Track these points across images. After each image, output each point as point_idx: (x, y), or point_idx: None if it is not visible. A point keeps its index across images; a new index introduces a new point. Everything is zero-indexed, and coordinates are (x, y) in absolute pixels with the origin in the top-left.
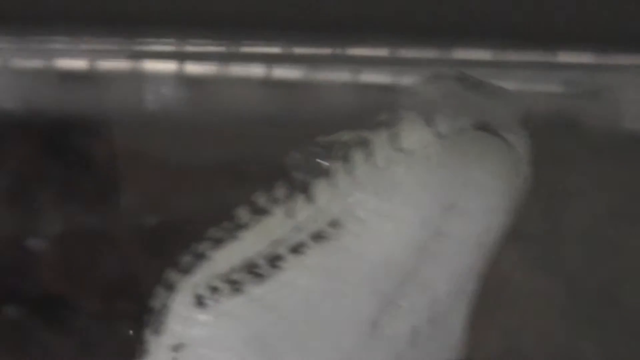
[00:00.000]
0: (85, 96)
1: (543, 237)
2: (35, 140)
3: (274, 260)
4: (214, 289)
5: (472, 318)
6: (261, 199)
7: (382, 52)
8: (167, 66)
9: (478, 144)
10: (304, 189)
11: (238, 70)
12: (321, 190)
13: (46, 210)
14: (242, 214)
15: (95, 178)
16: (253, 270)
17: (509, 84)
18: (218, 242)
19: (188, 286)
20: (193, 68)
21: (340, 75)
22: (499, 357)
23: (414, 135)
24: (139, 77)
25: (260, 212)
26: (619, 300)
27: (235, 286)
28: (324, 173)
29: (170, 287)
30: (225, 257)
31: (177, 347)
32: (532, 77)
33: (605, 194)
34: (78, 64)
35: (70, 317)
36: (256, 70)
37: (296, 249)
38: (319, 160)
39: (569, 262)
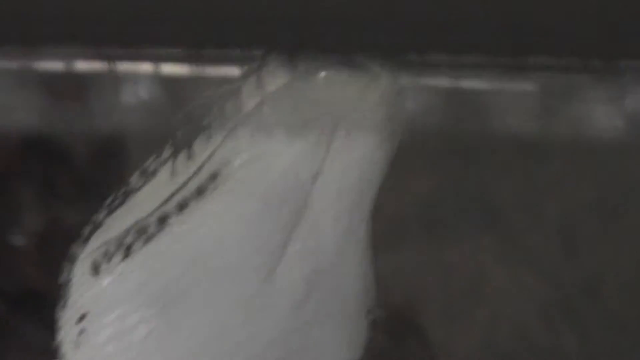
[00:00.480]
0: (65, 96)
1: (523, 232)
2: (16, 139)
3: (162, 219)
4: (107, 254)
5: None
6: (150, 163)
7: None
8: (143, 67)
9: (344, 77)
10: (187, 147)
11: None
12: (200, 145)
13: (27, 207)
14: (133, 178)
15: (75, 176)
16: (143, 231)
17: (479, 84)
18: (112, 209)
19: (85, 255)
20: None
21: None
22: (478, 351)
23: (277, 75)
24: (115, 78)
25: (148, 174)
26: (599, 294)
27: (127, 248)
28: (203, 129)
29: (73, 260)
30: (118, 222)
31: (81, 318)
32: (501, 78)
33: (584, 189)
34: (56, 65)
35: (51, 313)
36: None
37: (181, 206)
38: (199, 118)
39: (549, 256)
